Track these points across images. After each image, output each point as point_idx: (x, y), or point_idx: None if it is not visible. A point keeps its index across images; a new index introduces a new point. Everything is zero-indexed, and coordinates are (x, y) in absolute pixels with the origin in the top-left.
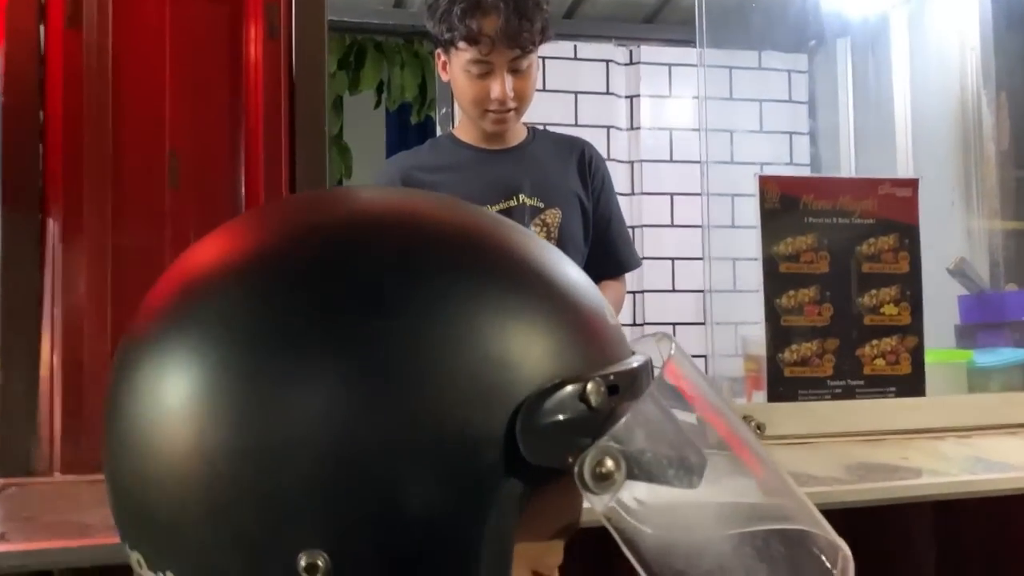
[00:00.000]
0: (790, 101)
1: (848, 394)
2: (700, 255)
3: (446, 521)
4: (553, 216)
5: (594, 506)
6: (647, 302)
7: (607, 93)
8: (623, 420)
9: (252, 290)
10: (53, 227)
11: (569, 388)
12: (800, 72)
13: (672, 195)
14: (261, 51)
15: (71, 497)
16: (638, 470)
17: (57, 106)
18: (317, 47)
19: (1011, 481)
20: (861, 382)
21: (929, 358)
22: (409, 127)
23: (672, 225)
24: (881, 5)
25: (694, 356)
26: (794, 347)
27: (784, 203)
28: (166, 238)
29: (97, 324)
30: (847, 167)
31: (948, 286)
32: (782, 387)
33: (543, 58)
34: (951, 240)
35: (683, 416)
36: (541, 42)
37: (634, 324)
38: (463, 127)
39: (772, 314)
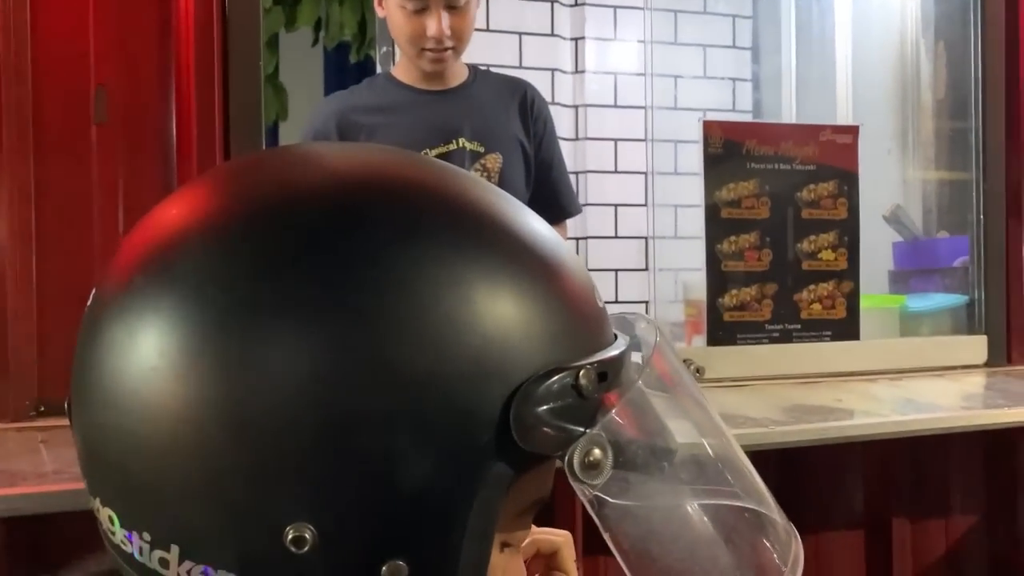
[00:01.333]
0: (734, 47)
1: (785, 338)
2: (643, 202)
3: (435, 498)
4: (494, 161)
5: (580, 494)
6: (590, 248)
7: (552, 35)
8: (613, 410)
9: (249, 250)
10: None
11: (562, 376)
12: (745, 17)
13: (616, 141)
14: None
15: None
16: (624, 459)
17: None
18: None
19: (938, 421)
20: (798, 326)
21: (864, 303)
22: (348, 67)
23: (615, 171)
24: None
25: (636, 302)
26: (734, 292)
27: (727, 148)
28: (93, 174)
29: (21, 264)
30: (788, 114)
31: (883, 232)
32: (721, 331)
33: None
34: (887, 187)
35: (663, 403)
36: None
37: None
38: (401, 66)
39: (713, 260)
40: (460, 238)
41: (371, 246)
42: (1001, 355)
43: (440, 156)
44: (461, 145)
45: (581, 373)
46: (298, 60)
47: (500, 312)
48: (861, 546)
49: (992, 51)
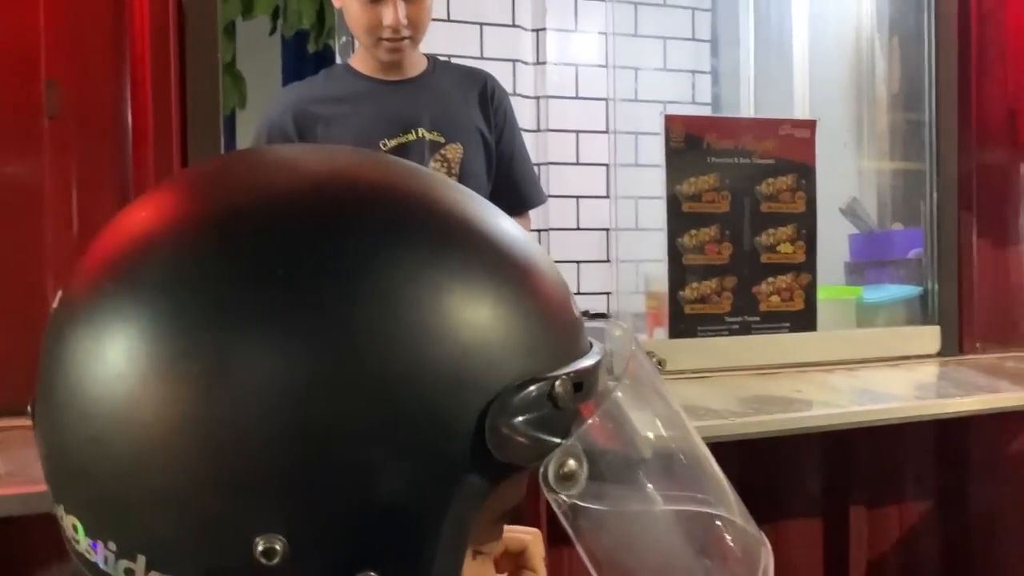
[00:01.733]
0: (693, 39)
1: (745, 330)
2: (605, 193)
3: (409, 509)
4: (454, 151)
5: (554, 505)
6: (552, 240)
7: (513, 26)
8: (588, 421)
9: (221, 257)
10: None
11: (539, 386)
12: (704, 10)
13: (577, 132)
14: None
15: None
16: (598, 469)
17: None
18: None
19: (893, 411)
20: (757, 318)
21: (821, 294)
22: (306, 56)
23: (577, 163)
24: None
25: (598, 294)
26: (694, 285)
27: (688, 142)
28: (45, 169)
29: None
30: (747, 107)
31: (840, 225)
32: (682, 324)
33: None
34: (844, 180)
35: (638, 413)
36: None
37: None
38: (359, 57)
39: (674, 253)
40: (437, 245)
41: (346, 254)
42: (954, 345)
43: (399, 146)
44: (420, 136)
45: (557, 383)
46: (256, 48)
47: (477, 322)
48: (819, 534)
49: (945, 45)
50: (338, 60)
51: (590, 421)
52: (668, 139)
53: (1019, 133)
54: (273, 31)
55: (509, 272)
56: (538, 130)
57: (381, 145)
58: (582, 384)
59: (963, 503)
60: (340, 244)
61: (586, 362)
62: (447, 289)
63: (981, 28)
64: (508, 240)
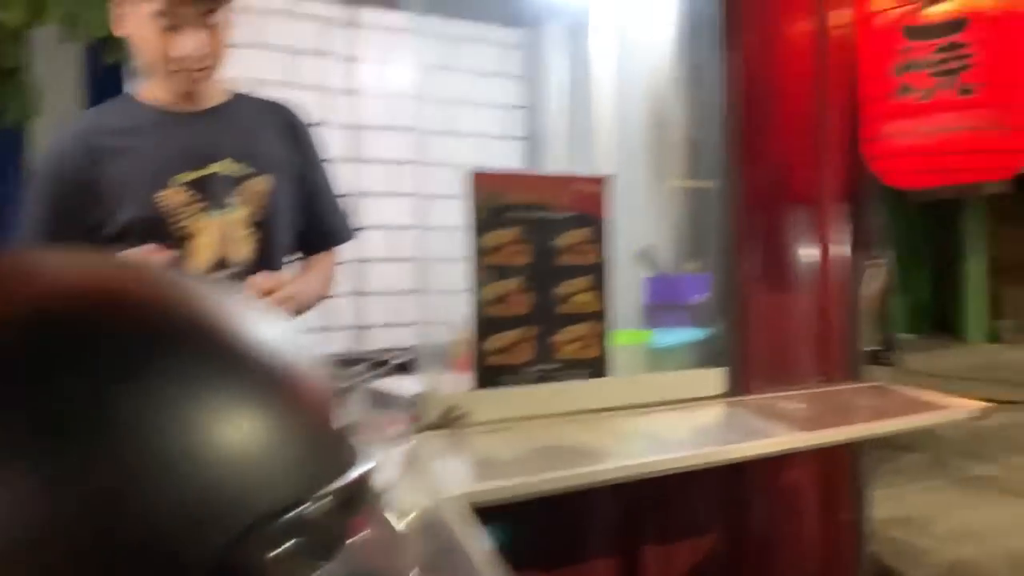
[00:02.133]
0: (504, 75)
1: (544, 378)
2: (418, 224)
3: None
4: (259, 184)
5: None
6: (369, 271)
7: (325, 54)
8: (352, 540)
9: None
10: None
11: (296, 511)
12: (516, 48)
13: (390, 163)
14: None
15: None
16: None
17: None
18: None
19: (680, 461)
20: (556, 366)
21: (617, 340)
22: (105, 67)
23: (391, 194)
24: None
25: (407, 325)
26: (497, 336)
27: (492, 199)
28: None
29: None
30: (557, 146)
31: (639, 267)
32: (485, 374)
33: (259, 12)
34: (644, 227)
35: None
36: None
37: (356, 294)
38: (150, 86)
39: (478, 304)
40: (178, 370)
41: (79, 377)
42: (736, 386)
43: (197, 180)
44: (221, 169)
45: (317, 505)
46: (57, 56)
47: (223, 451)
48: (614, 574)
49: (732, 102)
50: (128, 83)
51: (357, 536)
52: (472, 195)
53: (789, 187)
54: (66, 39)
55: (260, 393)
56: (351, 160)
57: (176, 180)
58: (349, 500)
59: (743, 533)
60: (66, 367)
61: (351, 475)
62: (188, 420)
63: (751, 88)
64: (259, 359)
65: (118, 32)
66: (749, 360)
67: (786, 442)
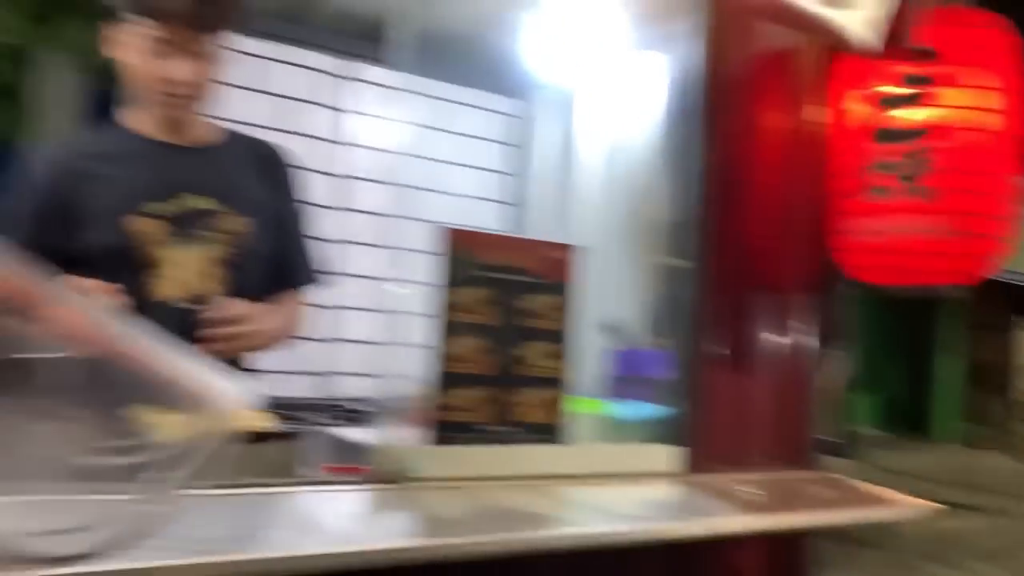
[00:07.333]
0: (494, 141)
1: (502, 439)
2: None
3: None
4: (235, 224)
5: None
6: (344, 318)
7: (318, 103)
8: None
9: None
10: None
11: None
12: (507, 116)
13: (378, 215)
14: None
15: None
16: None
17: None
18: None
19: (628, 535)
20: (513, 429)
21: (575, 407)
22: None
23: (371, 244)
24: (578, 68)
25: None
26: (457, 392)
27: (462, 256)
28: None
29: None
30: (540, 212)
31: (604, 338)
32: (441, 430)
33: (260, 57)
34: (616, 296)
35: None
36: (225, 28)
37: (329, 340)
38: (136, 115)
39: (439, 359)
40: None
41: None
42: (692, 464)
43: (168, 213)
44: (191, 205)
45: None
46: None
47: None
48: None
49: (711, 186)
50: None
51: None
52: (444, 250)
53: (757, 272)
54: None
55: None
56: (336, 208)
57: (148, 208)
58: None
59: None
60: None
61: None
62: None
63: (726, 174)
64: None
65: (107, 54)
66: (706, 440)
67: (736, 524)
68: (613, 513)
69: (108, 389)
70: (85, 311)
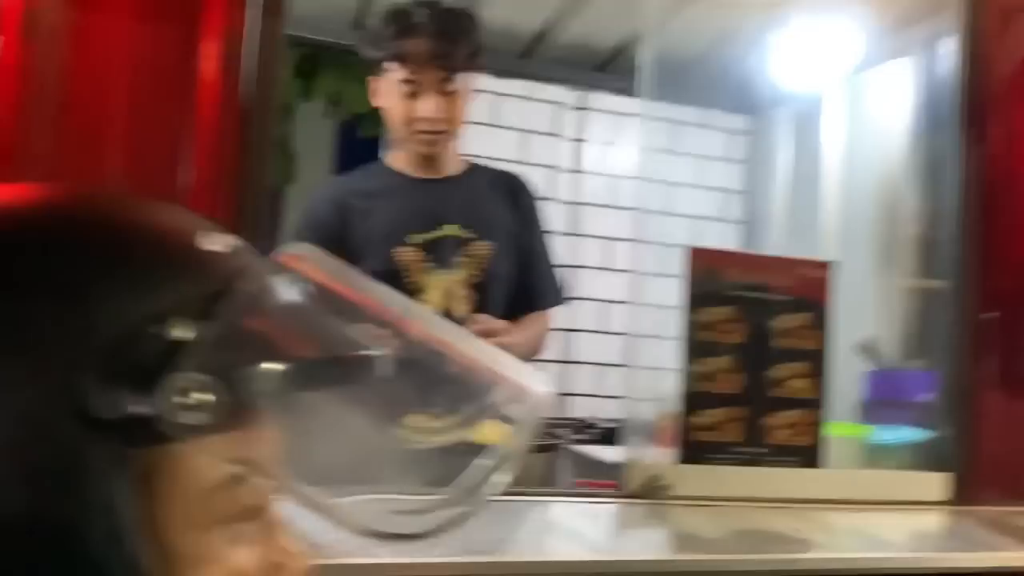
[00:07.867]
0: (727, 160)
1: (752, 461)
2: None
3: (21, 519)
4: (481, 249)
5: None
6: (581, 341)
7: (555, 135)
8: (215, 339)
9: None
10: None
11: (147, 328)
12: (741, 133)
13: (609, 239)
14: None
15: None
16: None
17: None
18: (271, 71)
19: (891, 561)
20: (765, 450)
21: (831, 431)
22: (357, 140)
23: (607, 268)
24: (821, 82)
25: (616, 397)
26: (706, 412)
27: (709, 275)
28: None
29: None
30: (777, 230)
31: (859, 361)
32: (691, 449)
33: (498, 94)
34: (866, 317)
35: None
36: (469, 68)
37: (564, 362)
38: (397, 154)
39: (687, 379)
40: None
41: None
42: (961, 494)
43: (429, 241)
44: (448, 233)
45: (169, 320)
46: (312, 126)
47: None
48: None
49: (972, 198)
50: (382, 152)
51: (216, 339)
52: (689, 269)
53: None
54: (328, 115)
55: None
56: (572, 234)
57: (411, 239)
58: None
59: None
60: None
61: (208, 288)
62: None
63: (994, 184)
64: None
65: (375, 103)
66: (979, 468)
67: (1022, 559)
68: (879, 540)
69: (434, 387)
70: (412, 312)
